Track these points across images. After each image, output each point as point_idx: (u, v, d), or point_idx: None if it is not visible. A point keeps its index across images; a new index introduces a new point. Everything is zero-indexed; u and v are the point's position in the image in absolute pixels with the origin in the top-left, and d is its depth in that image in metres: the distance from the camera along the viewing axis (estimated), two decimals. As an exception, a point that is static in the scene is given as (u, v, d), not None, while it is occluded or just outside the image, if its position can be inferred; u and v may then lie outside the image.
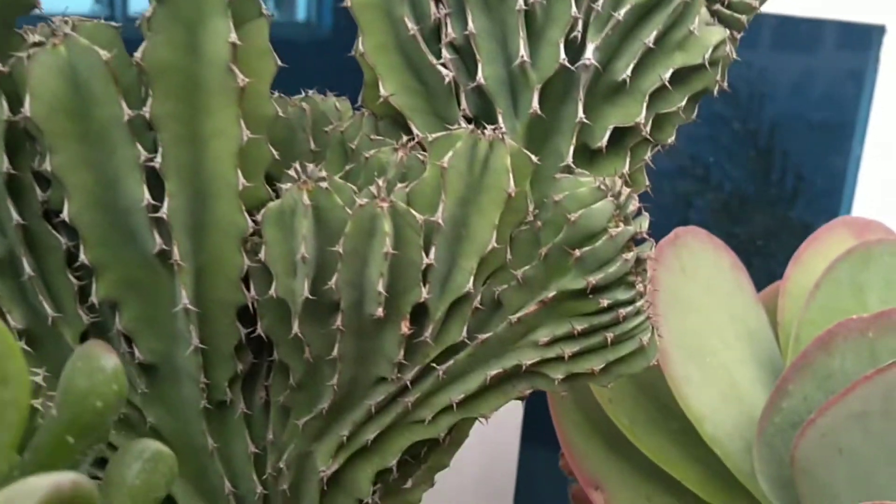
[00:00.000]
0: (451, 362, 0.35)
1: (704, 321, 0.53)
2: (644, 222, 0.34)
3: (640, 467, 0.53)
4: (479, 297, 0.35)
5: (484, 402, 0.37)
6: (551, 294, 0.34)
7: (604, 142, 0.36)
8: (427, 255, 0.33)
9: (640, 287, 0.34)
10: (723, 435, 0.49)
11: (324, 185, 0.32)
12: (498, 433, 0.76)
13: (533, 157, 0.34)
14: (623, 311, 0.34)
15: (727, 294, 0.55)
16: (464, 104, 0.36)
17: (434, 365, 0.35)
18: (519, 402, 0.37)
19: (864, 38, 0.76)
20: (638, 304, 0.34)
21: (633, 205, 0.33)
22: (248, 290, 0.35)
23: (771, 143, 0.79)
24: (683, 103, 0.37)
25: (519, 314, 0.35)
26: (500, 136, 0.33)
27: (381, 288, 0.32)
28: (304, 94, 0.40)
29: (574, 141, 0.36)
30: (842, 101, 0.79)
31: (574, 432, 0.53)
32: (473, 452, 0.70)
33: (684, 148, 0.81)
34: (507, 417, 0.75)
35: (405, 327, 0.34)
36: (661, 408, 0.52)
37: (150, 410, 0.37)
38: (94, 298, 0.33)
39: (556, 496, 0.55)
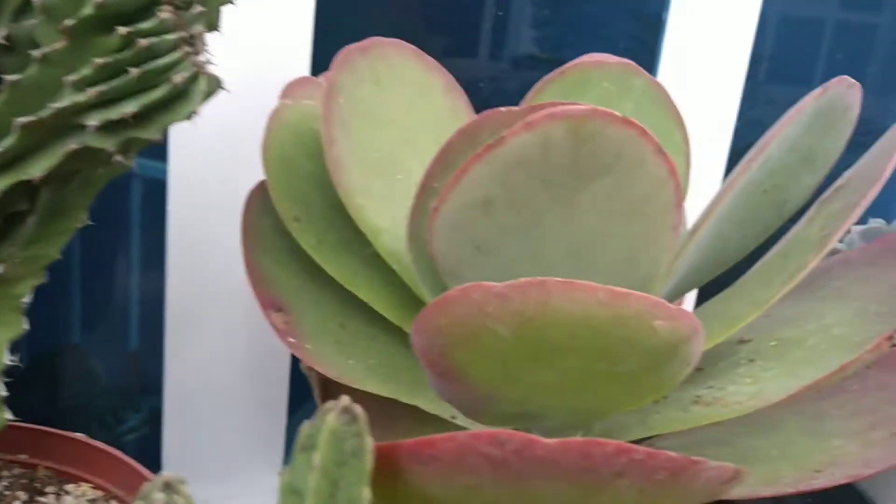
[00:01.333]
0: (-19, 110, 0.32)
1: (401, 139, 0.50)
2: (177, -54, 0.30)
3: (335, 293, 0.50)
4: (4, 33, 0.31)
5: (33, 161, 0.33)
6: (71, 23, 0.30)
7: None
8: None
9: (166, 16, 0.30)
10: (401, 249, 0.47)
11: None
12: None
13: None
14: (144, 42, 0.30)
15: (436, 117, 0.52)
16: None
17: (-36, 113, 0.32)
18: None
19: None
20: (169, 37, 0.31)
21: (160, -77, 0.30)
22: None
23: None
24: None
25: (45, 50, 0.31)
26: None
27: None
28: None
29: None
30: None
31: (259, 253, 0.50)
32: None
33: None
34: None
35: None
36: (357, 231, 0.49)
37: None
38: None
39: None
